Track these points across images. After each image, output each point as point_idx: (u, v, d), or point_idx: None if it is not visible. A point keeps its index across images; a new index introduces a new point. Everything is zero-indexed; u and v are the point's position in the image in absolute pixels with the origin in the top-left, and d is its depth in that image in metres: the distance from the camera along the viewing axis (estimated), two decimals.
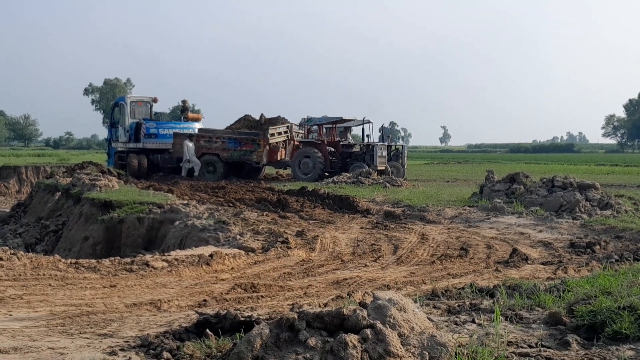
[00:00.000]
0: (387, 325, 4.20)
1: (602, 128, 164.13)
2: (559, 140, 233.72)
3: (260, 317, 5.45)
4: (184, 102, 37.13)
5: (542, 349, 4.72)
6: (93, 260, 9.63)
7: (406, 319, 4.35)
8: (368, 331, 4.10)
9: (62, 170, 29.66)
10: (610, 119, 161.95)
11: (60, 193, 23.16)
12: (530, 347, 4.79)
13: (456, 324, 5.44)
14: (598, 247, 11.02)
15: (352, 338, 4.01)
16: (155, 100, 33.86)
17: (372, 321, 4.19)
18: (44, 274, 8.44)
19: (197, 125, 33.27)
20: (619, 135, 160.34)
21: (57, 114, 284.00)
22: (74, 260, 9.50)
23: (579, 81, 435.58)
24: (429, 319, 4.84)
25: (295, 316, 4.18)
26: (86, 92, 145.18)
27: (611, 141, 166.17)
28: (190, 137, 31.02)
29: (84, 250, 16.16)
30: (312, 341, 4.05)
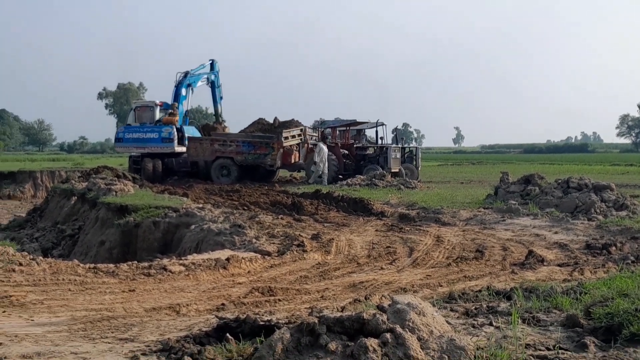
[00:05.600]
0: (406, 329, 4.24)
1: (617, 128, 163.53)
2: (573, 141, 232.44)
3: (280, 321, 5.49)
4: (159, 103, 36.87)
5: (560, 351, 4.73)
6: (111, 265, 9.71)
7: (425, 323, 4.38)
8: (388, 335, 4.13)
9: (78, 175, 29.84)
10: (624, 119, 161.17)
11: (76, 197, 23.32)
12: (548, 349, 4.80)
13: (474, 327, 5.46)
14: (614, 248, 11.00)
15: (372, 342, 4.05)
16: (159, 104, 34.03)
17: (391, 325, 4.23)
18: (63, 279, 8.53)
19: (170, 130, 32.70)
20: (633, 134, 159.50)
21: (71, 119, 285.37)
22: (92, 265, 9.58)
23: (593, 81, 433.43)
24: (447, 322, 4.87)
25: (316, 321, 4.22)
26: (100, 96, 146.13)
27: (626, 141, 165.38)
28: (324, 139, 30.69)
29: (100, 254, 16.29)
30: (332, 345, 4.09)
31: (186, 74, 34.13)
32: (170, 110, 33.30)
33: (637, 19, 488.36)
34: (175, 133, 32.30)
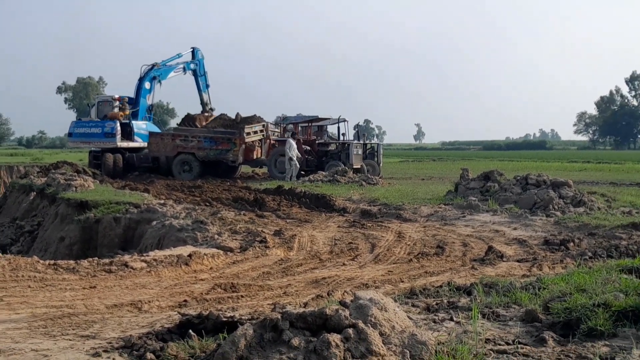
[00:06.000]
0: (368, 325, 4.28)
1: (574, 125, 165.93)
2: (532, 138, 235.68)
3: (242, 317, 5.50)
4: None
5: (519, 345, 4.81)
6: (72, 261, 9.61)
7: (387, 318, 4.43)
8: (350, 331, 4.17)
9: (37, 170, 29.52)
10: (582, 116, 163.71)
11: (35, 193, 23.04)
12: (508, 344, 4.88)
13: (435, 322, 5.54)
14: (572, 244, 11.19)
15: (334, 338, 4.09)
16: (117, 99, 33.75)
17: (354, 321, 4.27)
18: (22, 276, 8.43)
19: (112, 125, 32.37)
20: (590, 132, 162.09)
21: (29, 113, 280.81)
22: (52, 262, 9.48)
23: (550, 78, 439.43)
24: (408, 317, 4.93)
25: (279, 316, 4.25)
26: (59, 90, 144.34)
27: (583, 138, 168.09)
28: (292, 135, 30.23)
29: (60, 250, 16.10)
30: (295, 341, 4.12)
31: (153, 66, 33.81)
32: (119, 105, 33.12)
33: (593, 18, 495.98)
34: (119, 128, 32.05)
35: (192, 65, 35.35)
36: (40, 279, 8.38)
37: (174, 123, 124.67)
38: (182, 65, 35.07)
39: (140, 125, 33.50)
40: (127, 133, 32.57)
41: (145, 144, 32.41)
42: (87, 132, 32.83)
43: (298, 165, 28.24)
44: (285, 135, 30.07)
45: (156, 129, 34.13)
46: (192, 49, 35.56)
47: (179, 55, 34.98)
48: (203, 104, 36.09)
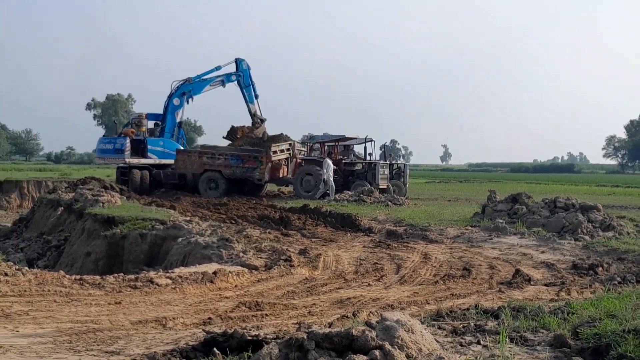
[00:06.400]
0: (395, 347, 4.23)
1: (603, 149, 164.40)
2: (560, 160, 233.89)
3: (267, 336, 5.46)
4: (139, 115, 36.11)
5: None
6: (97, 277, 9.66)
7: (414, 340, 4.38)
8: (377, 352, 4.12)
9: (65, 185, 29.77)
10: (611, 140, 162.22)
11: (62, 208, 23.19)
12: None
13: (462, 345, 5.46)
14: (600, 268, 11.04)
15: (361, 359, 4.04)
16: (144, 116, 34.30)
17: (380, 342, 4.22)
18: (49, 290, 8.48)
19: (122, 141, 32.72)
20: (619, 156, 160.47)
21: (58, 129, 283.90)
22: (78, 277, 9.52)
23: (579, 100, 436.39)
24: (435, 340, 4.87)
25: (305, 336, 4.21)
26: (88, 107, 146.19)
27: (612, 162, 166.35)
28: (329, 155, 30.54)
29: (86, 265, 16.17)
30: None
31: (185, 81, 33.78)
32: (135, 121, 33.47)
33: (624, 42, 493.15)
34: (128, 144, 32.32)
35: (233, 77, 34.68)
36: (66, 293, 8.42)
37: (201, 140, 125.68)
38: (220, 79, 34.55)
39: (157, 142, 33.52)
40: (140, 150, 32.79)
41: (160, 161, 32.69)
42: (103, 148, 33.49)
43: (334, 186, 28.38)
44: (305, 155, 30.24)
45: (176, 146, 33.92)
46: (235, 60, 34.86)
47: (217, 68, 34.38)
48: (251, 115, 35.18)
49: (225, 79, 34.59)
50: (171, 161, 32.67)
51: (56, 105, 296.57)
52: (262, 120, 35.10)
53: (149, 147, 32.93)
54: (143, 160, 32.77)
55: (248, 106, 35.00)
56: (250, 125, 35.00)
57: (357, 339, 4.22)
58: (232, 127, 35.01)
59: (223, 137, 34.84)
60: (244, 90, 34.82)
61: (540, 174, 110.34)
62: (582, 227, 15.38)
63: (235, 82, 34.72)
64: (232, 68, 34.80)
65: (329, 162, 28.68)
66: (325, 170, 28.27)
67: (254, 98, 35.04)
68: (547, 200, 17.60)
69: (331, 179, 28.29)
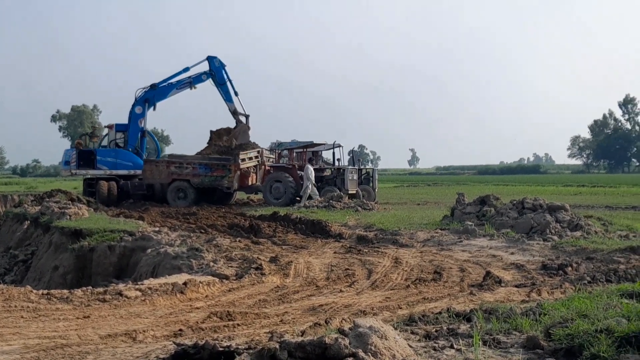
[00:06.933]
0: (369, 354, 4.20)
1: (568, 149, 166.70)
2: (526, 162, 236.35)
3: (239, 346, 5.39)
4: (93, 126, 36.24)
5: None
6: (65, 291, 9.50)
7: (387, 347, 4.35)
8: None
9: (31, 199, 29.41)
10: (575, 140, 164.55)
11: (29, 222, 22.92)
12: None
13: (435, 349, 5.44)
14: (570, 268, 11.12)
15: None
16: (110, 127, 34.42)
17: (354, 350, 4.19)
18: (15, 306, 8.33)
19: (70, 153, 33.20)
20: (584, 156, 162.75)
21: (23, 142, 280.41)
22: (45, 291, 9.37)
23: (543, 102, 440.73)
24: (408, 345, 4.85)
25: (277, 346, 4.16)
26: (53, 118, 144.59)
27: (577, 162, 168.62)
28: (310, 160, 30.84)
29: (54, 280, 15.97)
30: None
31: (149, 87, 33.09)
32: (88, 133, 33.65)
33: (586, 43, 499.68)
34: (75, 156, 32.66)
35: (203, 77, 33.32)
36: (34, 309, 8.28)
37: (169, 150, 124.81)
38: (188, 80, 33.27)
39: (108, 153, 33.04)
40: (90, 161, 32.61)
41: (112, 172, 32.44)
42: (64, 160, 33.93)
43: (317, 192, 28.76)
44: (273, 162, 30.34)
45: (131, 156, 33.09)
46: (207, 58, 33.34)
47: (186, 69, 33.16)
48: (232, 113, 33.68)
49: (193, 81, 33.33)
50: (124, 172, 32.42)
51: (20, 117, 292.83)
52: (247, 116, 33.70)
53: (98, 157, 32.61)
54: (91, 172, 32.68)
55: (227, 105, 33.54)
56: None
57: (330, 347, 4.18)
58: (211, 131, 34.02)
59: (207, 144, 33.82)
60: (220, 89, 33.38)
61: (507, 176, 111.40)
62: (551, 228, 15.51)
63: (212, 82, 33.38)
64: (204, 67, 33.45)
65: (310, 167, 28.92)
66: (310, 175, 28.56)
67: (232, 96, 33.47)
68: (515, 202, 17.72)
69: (310, 184, 28.56)
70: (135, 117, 33.19)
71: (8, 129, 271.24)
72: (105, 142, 34.09)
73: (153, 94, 33.18)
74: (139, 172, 32.31)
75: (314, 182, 28.66)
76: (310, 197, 28.14)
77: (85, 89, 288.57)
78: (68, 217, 19.81)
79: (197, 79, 33.35)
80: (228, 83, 33.45)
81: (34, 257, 19.66)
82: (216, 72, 33.24)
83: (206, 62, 33.44)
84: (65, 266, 16.08)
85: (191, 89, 33.54)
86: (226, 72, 33.54)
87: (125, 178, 32.27)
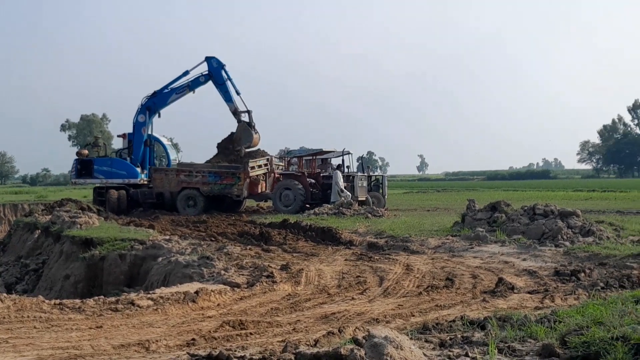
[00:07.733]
0: None
1: (577, 154, 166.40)
2: (535, 167, 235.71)
3: (253, 356, 5.38)
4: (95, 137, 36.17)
5: None
6: (77, 301, 9.50)
7: (403, 357, 4.32)
8: None
9: (41, 208, 29.46)
10: (585, 145, 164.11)
11: (39, 231, 22.96)
12: None
13: (450, 358, 5.41)
14: (583, 274, 11.05)
15: None
16: (122, 136, 34.36)
17: None
18: (28, 316, 8.32)
19: (73, 163, 33.27)
20: (594, 160, 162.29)
21: (33, 151, 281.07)
22: (58, 301, 9.36)
23: (553, 107, 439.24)
24: (424, 354, 4.81)
25: (292, 357, 4.14)
26: (63, 128, 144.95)
27: (587, 167, 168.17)
28: (338, 167, 31.18)
29: (65, 289, 15.99)
30: None
31: (152, 94, 32.72)
32: (91, 142, 33.73)
33: (595, 49, 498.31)
34: (77, 166, 32.72)
35: (201, 79, 32.35)
36: (46, 319, 8.27)
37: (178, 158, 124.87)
38: (186, 84, 32.60)
39: (104, 162, 32.95)
40: (89, 170, 32.58)
41: (107, 181, 32.24)
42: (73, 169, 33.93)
43: (349, 193, 28.96)
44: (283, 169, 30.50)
45: (127, 165, 32.65)
46: (205, 59, 32.40)
47: (185, 73, 32.39)
48: (233, 113, 32.39)
49: (191, 84, 32.59)
50: (119, 181, 32.19)
51: (30, 126, 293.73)
52: (249, 112, 32.35)
53: (95, 167, 32.56)
54: (89, 181, 33.01)
55: (227, 105, 32.55)
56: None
57: (346, 358, 4.16)
58: (217, 145, 33.48)
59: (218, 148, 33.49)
60: (219, 89, 32.44)
61: (517, 181, 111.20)
62: (562, 234, 15.45)
63: (192, 90, 32.74)
64: (204, 68, 32.57)
65: (339, 173, 29.51)
66: (339, 181, 28.90)
67: (233, 95, 32.44)
68: (526, 208, 17.67)
69: (344, 188, 29.03)
70: (139, 125, 32.92)
71: (18, 138, 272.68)
72: (108, 151, 34.61)
73: (154, 102, 32.79)
74: (133, 180, 32.19)
75: (341, 187, 28.91)
76: (344, 199, 28.26)
77: (94, 98, 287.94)
78: (79, 226, 19.84)
79: (195, 82, 32.61)
80: (228, 82, 32.51)
81: (45, 266, 19.69)
82: (214, 72, 32.42)
83: (206, 64, 32.70)
84: (76, 275, 16.11)
85: (191, 92, 32.99)
86: (226, 72, 32.61)
87: (135, 187, 32.24)
